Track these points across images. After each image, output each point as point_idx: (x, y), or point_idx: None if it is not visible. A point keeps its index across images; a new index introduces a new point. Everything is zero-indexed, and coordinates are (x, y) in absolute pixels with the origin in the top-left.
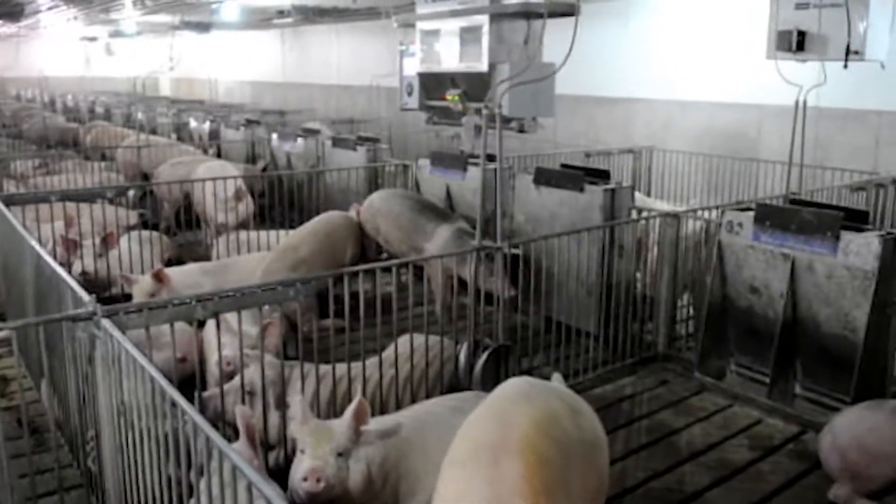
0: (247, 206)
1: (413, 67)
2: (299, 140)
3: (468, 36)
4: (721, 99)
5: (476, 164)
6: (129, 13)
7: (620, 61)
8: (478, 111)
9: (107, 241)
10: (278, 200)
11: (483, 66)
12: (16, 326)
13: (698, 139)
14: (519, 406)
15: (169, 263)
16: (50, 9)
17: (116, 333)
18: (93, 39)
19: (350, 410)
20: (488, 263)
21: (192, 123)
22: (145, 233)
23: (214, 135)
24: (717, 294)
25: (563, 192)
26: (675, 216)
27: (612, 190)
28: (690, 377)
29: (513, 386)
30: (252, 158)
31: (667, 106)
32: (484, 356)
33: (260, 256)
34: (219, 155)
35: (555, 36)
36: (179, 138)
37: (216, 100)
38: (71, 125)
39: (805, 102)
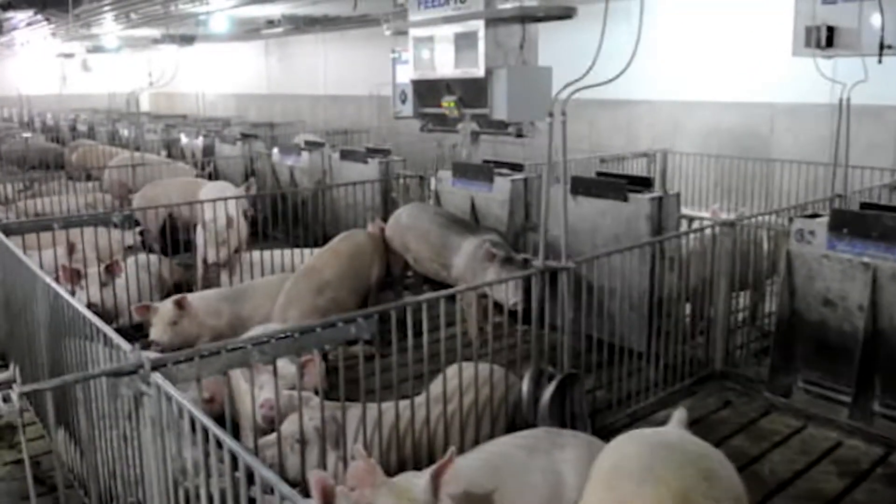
0: (238, 234)
1: (406, 75)
2: (304, 154)
3: (463, 42)
4: (729, 98)
5: (503, 175)
6: (110, 28)
7: (622, 63)
8: (473, 118)
9: (111, 270)
10: (281, 218)
11: (480, 72)
12: (52, 386)
13: (706, 140)
14: (645, 490)
15: (177, 289)
16: (29, 24)
17: (171, 390)
18: (69, 56)
19: (433, 470)
20: (503, 269)
21: (184, 139)
22: (152, 257)
23: (209, 151)
24: (786, 307)
25: (603, 201)
26: (732, 224)
27: (660, 198)
28: (753, 396)
29: (628, 453)
30: (247, 175)
31: (672, 107)
32: (552, 387)
33: (278, 280)
34: (214, 172)
35: (550, 38)
36: (170, 155)
37: (201, 114)
38: (52, 145)
39: (849, 100)
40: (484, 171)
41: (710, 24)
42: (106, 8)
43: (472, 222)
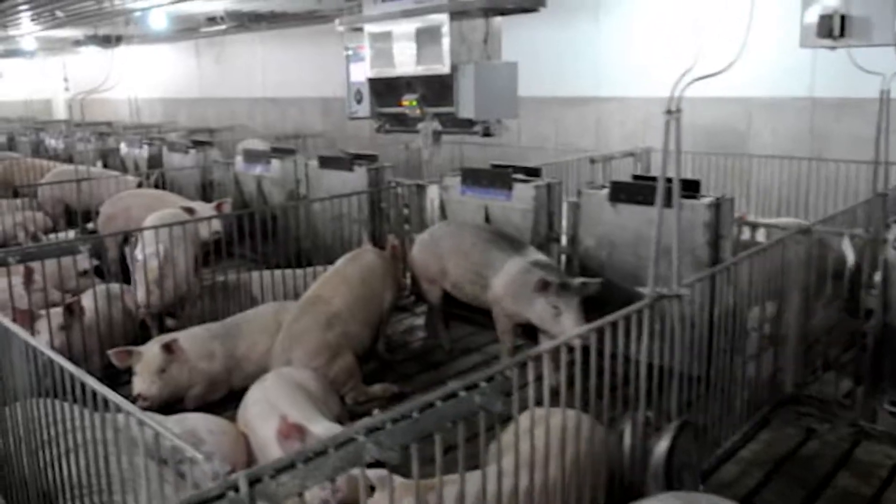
0: (185, 272)
1: (362, 73)
2: (274, 162)
3: (426, 37)
4: (703, 94)
5: (524, 182)
6: (27, 28)
7: (590, 59)
8: (434, 117)
9: (72, 310)
10: (248, 235)
11: (445, 68)
12: None
13: (682, 137)
14: None
15: (143, 323)
16: None
17: None
18: None
19: None
20: (560, 299)
21: (124, 149)
22: (114, 287)
23: (154, 161)
24: (879, 322)
25: (650, 209)
26: (807, 231)
27: (717, 203)
28: (834, 421)
29: None
30: (205, 188)
31: (644, 104)
32: (667, 439)
33: (272, 311)
34: (162, 184)
35: (511, 33)
36: (106, 166)
37: (132, 120)
38: None
39: (888, 92)
40: (501, 178)
41: (684, 18)
42: (25, 6)
43: (518, 238)
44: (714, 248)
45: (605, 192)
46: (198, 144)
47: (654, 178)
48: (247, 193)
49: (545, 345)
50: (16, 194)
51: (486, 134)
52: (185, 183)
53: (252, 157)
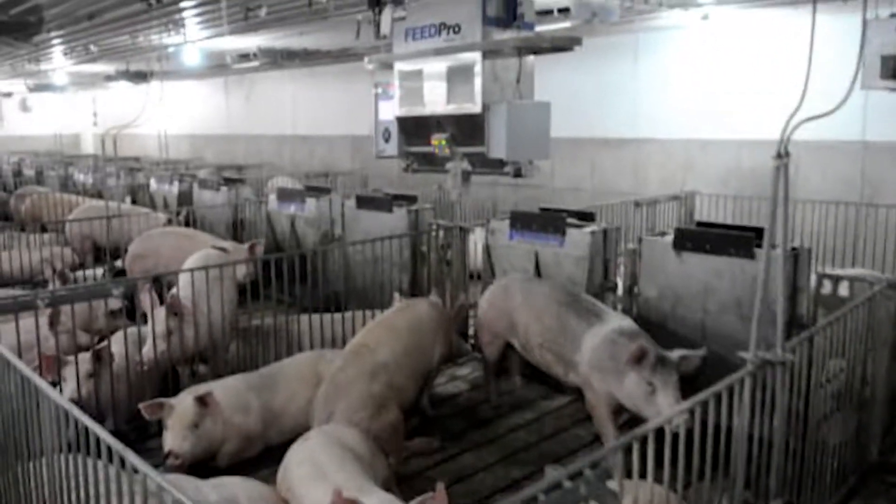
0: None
1: (390, 111)
2: (309, 201)
3: (457, 76)
4: (748, 136)
5: (578, 227)
6: (59, 62)
7: (628, 99)
8: (464, 156)
9: (101, 357)
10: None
11: (476, 108)
12: None
13: (724, 180)
14: None
15: (174, 373)
16: None
17: None
18: (8, 95)
19: None
20: (656, 374)
21: (154, 185)
22: (144, 330)
23: (185, 198)
24: None
25: (720, 258)
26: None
27: (795, 254)
28: None
29: None
30: (236, 226)
31: (685, 146)
32: None
33: (311, 360)
34: (192, 222)
35: (546, 73)
36: (134, 202)
37: (161, 156)
38: None
39: None
40: (554, 222)
41: (728, 59)
42: (58, 41)
43: (594, 302)
44: (792, 303)
45: (668, 239)
46: (229, 182)
47: (717, 226)
48: (279, 233)
49: (650, 424)
50: (43, 229)
51: (518, 175)
52: (216, 221)
53: (286, 195)
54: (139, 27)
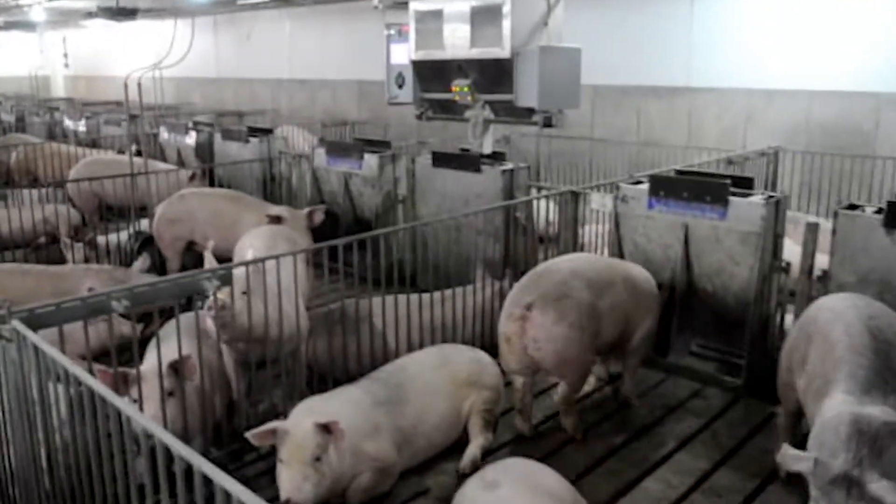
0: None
1: (404, 55)
2: (368, 158)
3: (483, 17)
4: (821, 86)
5: (744, 195)
6: None
7: (682, 45)
8: (485, 104)
9: (183, 369)
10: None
11: (504, 52)
12: None
13: (791, 135)
14: None
15: None
16: None
17: None
18: None
19: None
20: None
21: (164, 135)
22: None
23: (203, 151)
24: None
25: None
26: None
27: None
28: None
29: None
30: (267, 183)
31: (746, 96)
32: None
33: (437, 361)
34: (210, 180)
35: (588, 15)
36: (139, 154)
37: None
38: None
39: None
40: (715, 190)
41: (799, 2)
42: None
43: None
44: None
45: (871, 214)
46: (257, 132)
47: None
48: (327, 193)
49: None
50: (35, 182)
51: (547, 125)
52: (243, 177)
53: (339, 150)
54: None
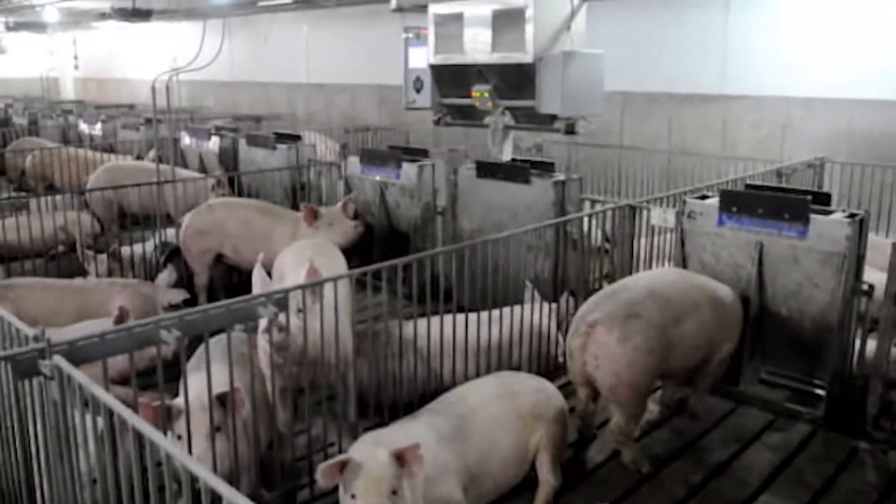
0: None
1: (423, 59)
2: (406, 167)
3: (504, 21)
4: (864, 95)
5: (824, 212)
6: None
7: (717, 51)
8: (505, 110)
9: (224, 401)
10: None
11: (528, 57)
12: None
13: (832, 144)
14: None
15: None
16: None
17: None
18: None
19: None
20: None
21: (186, 140)
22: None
23: (227, 157)
24: None
25: None
26: None
27: None
28: None
29: None
30: (296, 192)
31: (784, 104)
32: None
33: (499, 390)
34: (239, 188)
35: (619, 20)
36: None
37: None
38: None
39: None
40: (794, 206)
41: (838, 7)
42: None
43: None
44: None
45: None
46: (282, 138)
47: None
48: (362, 203)
49: None
50: (50, 188)
51: (570, 132)
52: (270, 185)
53: (374, 158)
54: None
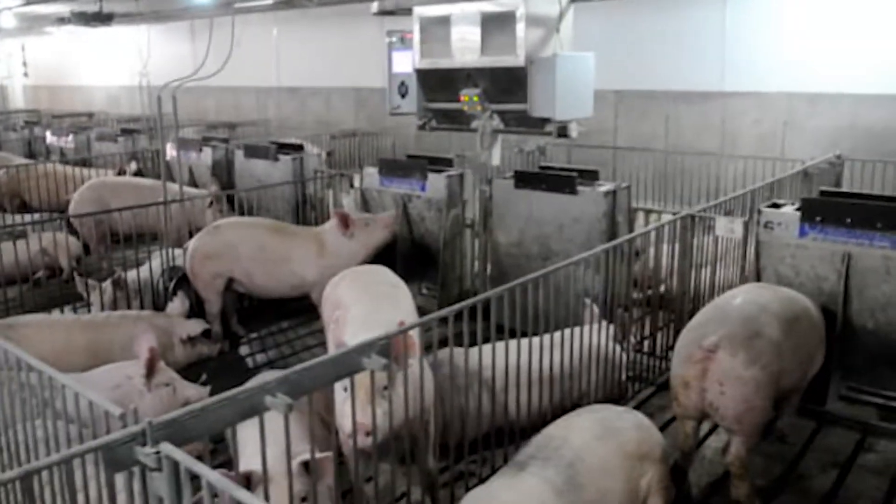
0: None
1: (408, 63)
2: (433, 178)
3: (494, 23)
4: (868, 90)
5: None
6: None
7: (715, 47)
8: (494, 113)
9: (319, 468)
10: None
11: (519, 60)
12: None
13: (835, 140)
14: None
15: None
16: None
17: None
18: None
19: None
20: None
21: (171, 152)
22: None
23: (220, 170)
24: None
25: None
26: None
27: None
28: None
29: None
30: (301, 208)
31: (787, 100)
32: None
33: (598, 428)
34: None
35: (613, 18)
36: (140, 173)
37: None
38: None
39: None
40: (882, 214)
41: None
42: None
43: None
44: None
45: None
46: (285, 148)
47: None
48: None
49: None
50: (23, 207)
51: (562, 135)
52: (272, 200)
53: (396, 169)
54: None
